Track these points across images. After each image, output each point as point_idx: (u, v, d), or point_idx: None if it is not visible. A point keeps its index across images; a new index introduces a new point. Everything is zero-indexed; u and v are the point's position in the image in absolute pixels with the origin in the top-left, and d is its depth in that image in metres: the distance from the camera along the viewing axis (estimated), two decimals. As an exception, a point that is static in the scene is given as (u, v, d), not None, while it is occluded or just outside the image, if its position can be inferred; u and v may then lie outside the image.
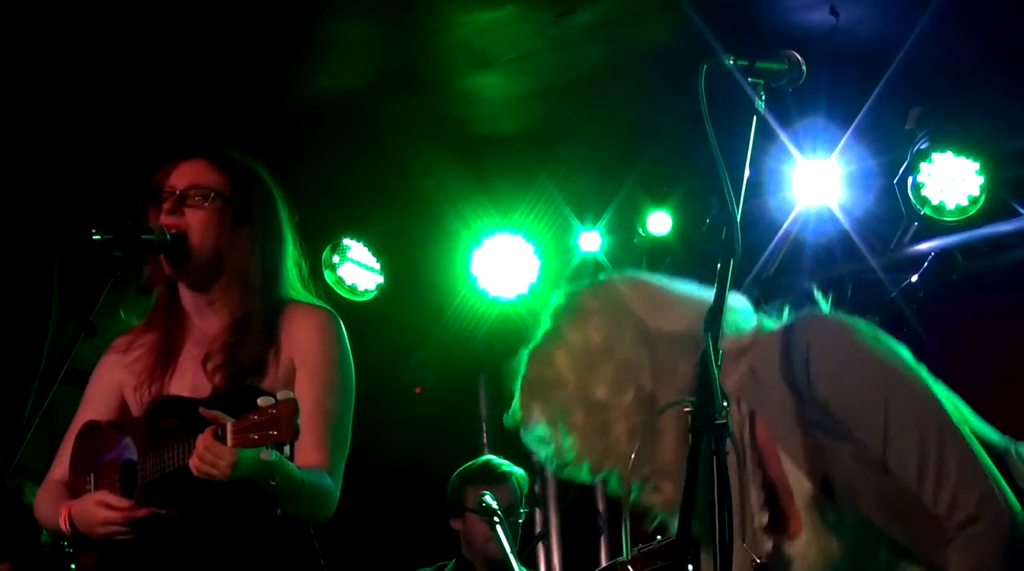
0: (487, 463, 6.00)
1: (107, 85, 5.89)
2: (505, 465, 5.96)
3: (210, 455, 3.12)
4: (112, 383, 3.63)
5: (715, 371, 2.51)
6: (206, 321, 3.56)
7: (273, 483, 3.20)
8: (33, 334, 3.38)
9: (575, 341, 2.83)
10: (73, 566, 5.15)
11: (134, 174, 3.64)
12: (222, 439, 3.11)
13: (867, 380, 2.70)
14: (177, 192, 3.50)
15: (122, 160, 3.81)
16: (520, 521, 5.78)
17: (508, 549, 5.37)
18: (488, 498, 5.53)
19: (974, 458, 2.65)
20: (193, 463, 3.15)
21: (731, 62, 2.76)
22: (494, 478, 5.86)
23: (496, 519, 5.45)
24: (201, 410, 3.20)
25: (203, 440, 3.13)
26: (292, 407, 3.04)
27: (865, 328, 2.77)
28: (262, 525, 3.37)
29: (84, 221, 3.39)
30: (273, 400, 3.06)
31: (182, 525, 3.35)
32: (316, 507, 3.42)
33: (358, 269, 7.50)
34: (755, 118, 2.76)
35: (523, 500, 5.86)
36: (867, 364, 2.72)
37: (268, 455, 3.06)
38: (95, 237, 3.33)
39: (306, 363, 3.50)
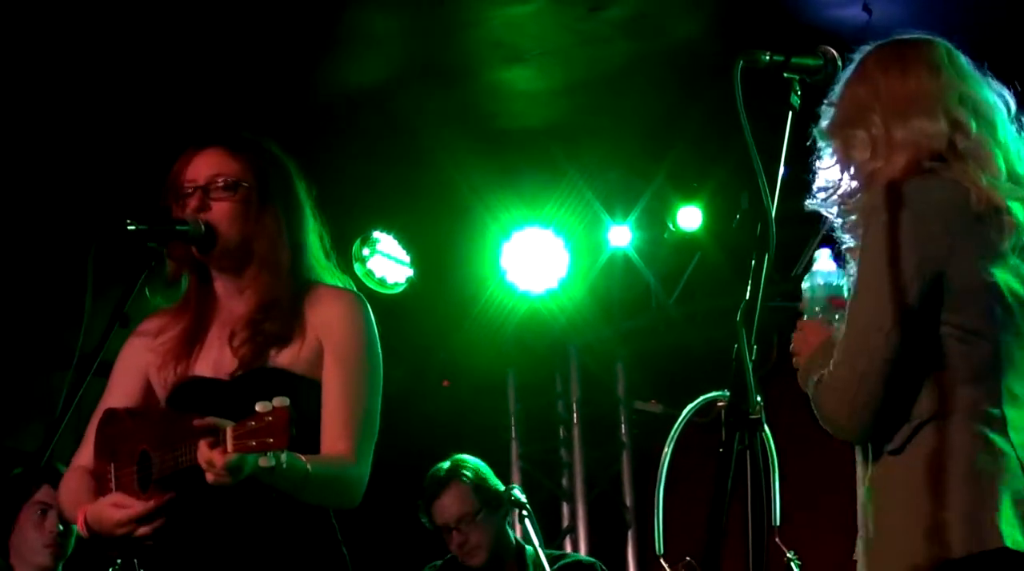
0: (424, 483, 5.69)
1: (139, 78, 5.92)
2: (443, 470, 5.64)
3: (214, 466, 3.11)
4: (138, 366, 3.59)
5: (749, 364, 2.51)
6: (235, 305, 3.55)
7: (272, 480, 3.19)
8: (67, 325, 3.40)
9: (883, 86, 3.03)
10: (119, 561, 5.18)
11: (165, 166, 3.64)
12: (223, 444, 3.09)
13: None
14: (199, 186, 3.48)
15: (154, 152, 3.81)
16: (504, 518, 5.59)
17: (536, 542, 5.37)
18: (516, 491, 5.52)
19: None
20: (208, 477, 3.13)
21: (767, 57, 2.76)
22: (432, 494, 5.61)
23: (525, 512, 5.44)
24: (195, 422, 3.16)
25: (203, 453, 3.11)
26: (286, 415, 3.00)
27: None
28: (277, 514, 3.37)
29: (118, 212, 3.39)
30: (271, 406, 3.02)
31: (197, 517, 3.35)
32: (331, 496, 3.40)
33: (388, 262, 7.51)
34: (790, 114, 2.76)
35: (483, 500, 5.54)
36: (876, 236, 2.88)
37: (267, 461, 3.02)
38: (129, 227, 3.31)
39: (334, 347, 3.47)
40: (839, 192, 3.07)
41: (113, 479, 3.46)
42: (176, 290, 3.61)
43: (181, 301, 3.61)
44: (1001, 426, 2.87)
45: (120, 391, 3.60)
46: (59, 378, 3.21)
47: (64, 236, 5.64)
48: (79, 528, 3.42)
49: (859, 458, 3.00)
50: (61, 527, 4.97)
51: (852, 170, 3.05)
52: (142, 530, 3.31)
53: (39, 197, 6.30)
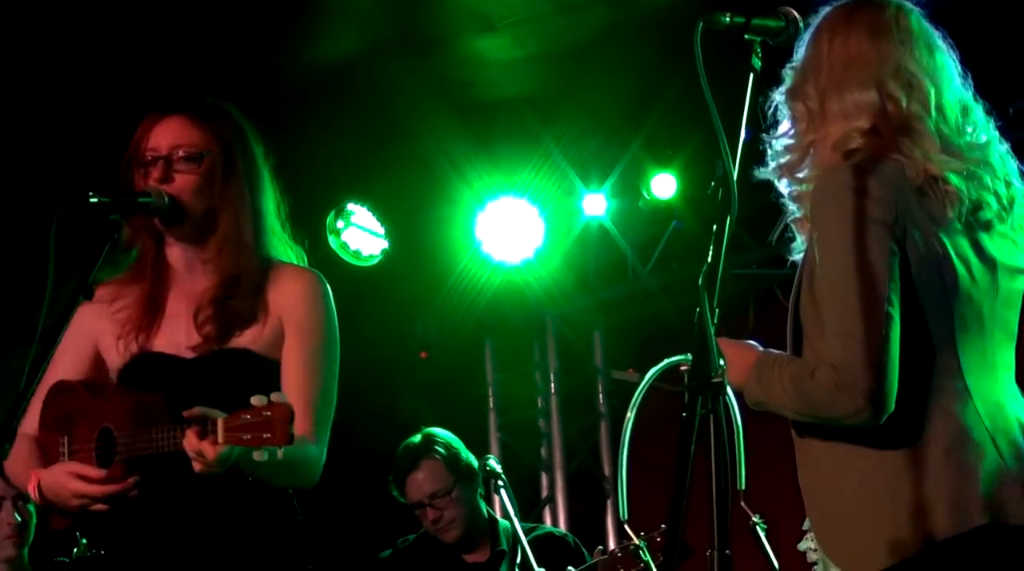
0: (396, 458, 5.61)
1: (106, 49, 5.88)
2: (414, 445, 5.56)
3: (205, 457, 3.10)
4: (89, 335, 3.54)
5: (711, 328, 2.50)
6: (195, 278, 3.53)
7: (253, 468, 3.19)
8: (31, 299, 3.37)
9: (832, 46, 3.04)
10: (84, 541, 5.14)
11: (130, 139, 3.61)
12: (212, 434, 3.08)
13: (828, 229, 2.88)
14: (161, 156, 3.45)
15: (119, 124, 3.78)
16: (477, 491, 5.58)
17: (512, 513, 5.36)
18: (492, 461, 5.51)
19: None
20: (196, 467, 3.13)
21: (727, 19, 2.75)
22: (405, 470, 5.55)
23: (500, 483, 5.43)
24: (184, 413, 3.15)
25: (191, 443, 3.11)
26: (288, 413, 2.99)
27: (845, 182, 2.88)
28: (239, 494, 3.35)
29: (80, 184, 3.36)
30: (266, 400, 3.02)
31: (159, 499, 3.33)
32: (296, 478, 3.40)
33: (363, 234, 7.48)
34: (751, 77, 2.74)
35: (457, 475, 5.51)
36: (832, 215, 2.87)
37: (261, 455, 3.01)
38: (92, 200, 3.28)
39: (296, 327, 3.47)
40: (781, 161, 3.07)
41: (65, 452, 3.44)
42: (125, 257, 3.57)
43: (135, 268, 3.57)
44: (966, 398, 2.88)
45: (69, 363, 3.53)
46: (24, 352, 3.18)
47: (26, 209, 5.60)
48: (31, 493, 3.39)
49: (808, 438, 2.99)
50: (19, 518, 4.95)
51: (794, 141, 3.06)
52: (99, 506, 3.30)
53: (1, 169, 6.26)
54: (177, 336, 3.47)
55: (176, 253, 3.54)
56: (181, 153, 3.46)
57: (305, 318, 3.48)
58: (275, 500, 3.45)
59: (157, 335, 3.48)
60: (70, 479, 3.30)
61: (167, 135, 3.48)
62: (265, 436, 2.99)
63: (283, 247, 3.62)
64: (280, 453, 3.01)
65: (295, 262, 3.63)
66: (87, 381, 3.52)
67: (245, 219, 3.50)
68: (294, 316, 3.48)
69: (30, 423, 3.52)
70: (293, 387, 3.40)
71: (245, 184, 3.52)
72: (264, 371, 3.43)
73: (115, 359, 3.51)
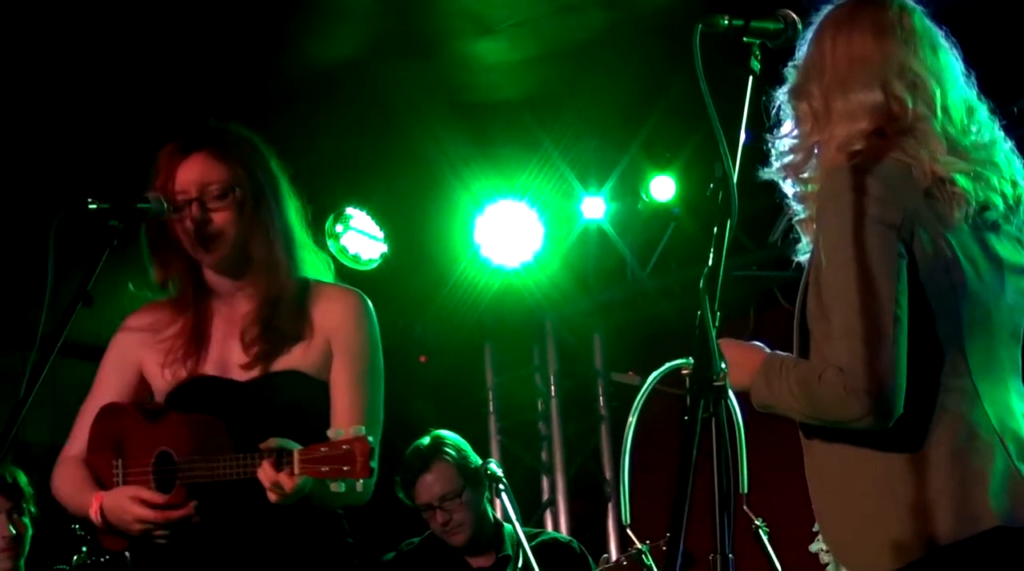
0: (405, 460, 5.63)
1: (106, 52, 5.88)
2: (424, 447, 5.59)
3: (282, 488, 3.17)
4: (132, 362, 3.60)
5: (712, 331, 2.49)
6: (236, 304, 3.56)
7: (321, 497, 3.27)
8: (31, 304, 3.37)
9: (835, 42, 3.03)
10: (84, 548, 5.13)
11: (132, 142, 3.61)
12: (288, 466, 3.14)
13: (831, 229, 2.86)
14: (193, 198, 3.46)
15: (119, 128, 3.78)
16: (484, 494, 5.58)
17: (514, 516, 5.36)
18: (493, 465, 5.50)
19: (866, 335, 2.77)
20: (271, 497, 3.19)
21: (726, 21, 2.74)
22: (415, 471, 5.56)
23: (501, 487, 5.42)
24: (261, 445, 3.21)
25: (268, 474, 3.16)
26: (369, 447, 3.06)
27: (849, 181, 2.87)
28: (293, 519, 3.39)
29: (80, 190, 3.37)
30: (342, 433, 3.09)
31: (215, 523, 3.35)
32: (356, 498, 3.42)
33: (361, 238, 7.48)
34: (750, 79, 2.74)
35: (467, 478, 5.51)
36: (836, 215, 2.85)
37: (337, 487, 3.10)
38: (91, 206, 3.30)
39: (345, 348, 3.51)
40: (786, 162, 3.06)
41: (120, 474, 3.47)
42: (161, 290, 3.62)
43: (177, 298, 3.61)
44: (975, 399, 2.87)
45: (113, 386, 3.59)
46: (23, 359, 3.18)
47: (26, 214, 5.60)
48: (92, 515, 3.42)
49: (816, 440, 2.98)
50: (14, 530, 4.95)
51: (798, 141, 3.05)
52: (161, 532, 3.33)
53: (2, 176, 6.26)
54: (226, 359, 3.52)
55: (215, 282, 3.58)
56: (212, 191, 3.48)
57: (353, 340, 3.52)
58: (326, 522, 3.50)
59: (206, 361, 3.52)
60: (132, 504, 3.33)
61: (193, 174, 3.49)
62: (345, 469, 3.08)
63: (312, 258, 3.66)
64: (360, 486, 3.09)
65: (326, 274, 3.67)
66: (142, 404, 3.56)
67: (277, 241, 3.54)
68: (342, 338, 3.52)
69: (78, 445, 3.58)
70: (345, 409, 3.46)
71: (273, 205, 3.56)
72: (316, 392, 3.48)
73: (162, 384, 3.55)
